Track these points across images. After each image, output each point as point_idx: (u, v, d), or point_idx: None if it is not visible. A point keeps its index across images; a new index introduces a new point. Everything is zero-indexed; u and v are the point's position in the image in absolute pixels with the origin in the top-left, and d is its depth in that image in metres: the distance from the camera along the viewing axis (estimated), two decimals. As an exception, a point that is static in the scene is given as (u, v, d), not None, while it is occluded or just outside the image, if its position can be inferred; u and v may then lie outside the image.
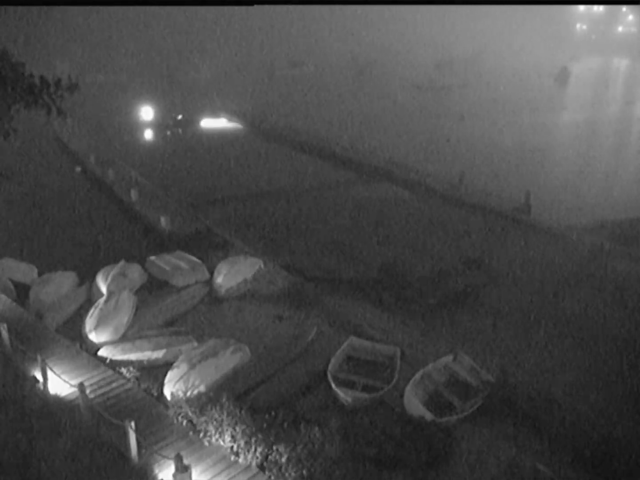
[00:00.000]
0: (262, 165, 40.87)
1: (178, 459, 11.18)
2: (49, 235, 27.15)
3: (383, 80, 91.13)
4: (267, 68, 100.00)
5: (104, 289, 19.90)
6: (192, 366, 14.93)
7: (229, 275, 20.83)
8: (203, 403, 13.36)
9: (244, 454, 12.11)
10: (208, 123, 56.16)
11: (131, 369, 15.65)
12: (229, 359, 15.58)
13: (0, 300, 19.08)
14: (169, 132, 52.18)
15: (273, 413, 13.09)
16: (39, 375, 14.62)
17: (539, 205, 29.86)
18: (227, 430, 12.50)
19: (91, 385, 14.51)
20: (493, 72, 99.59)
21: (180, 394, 14.06)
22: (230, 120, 57.63)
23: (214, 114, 58.85)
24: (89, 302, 19.46)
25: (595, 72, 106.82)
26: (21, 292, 20.33)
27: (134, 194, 31.04)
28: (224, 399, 13.28)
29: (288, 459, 11.79)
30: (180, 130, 52.96)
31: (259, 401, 14.12)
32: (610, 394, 15.52)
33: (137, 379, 15.28)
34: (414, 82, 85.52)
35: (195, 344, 16.70)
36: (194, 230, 26.43)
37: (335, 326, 18.45)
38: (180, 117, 54.66)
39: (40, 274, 21.39)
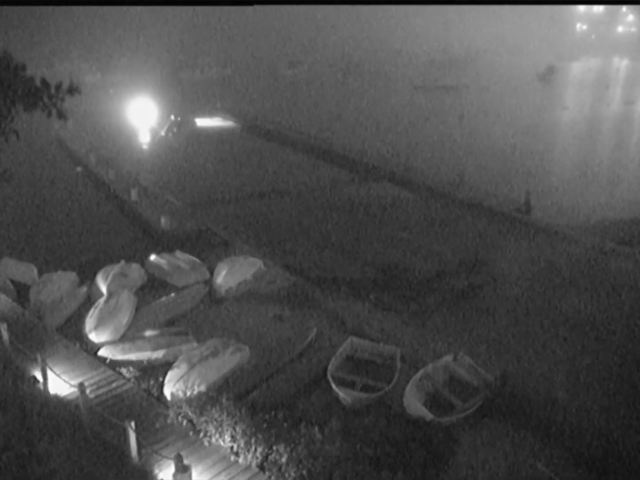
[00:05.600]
0: (261, 165, 40.86)
1: (178, 459, 11.17)
2: (49, 235, 27.16)
3: (380, 80, 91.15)
4: (269, 68, 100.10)
5: (104, 289, 19.90)
6: (192, 366, 14.91)
7: (229, 275, 20.82)
8: (203, 403, 13.34)
9: (244, 454, 12.11)
10: (203, 122, 56.28)
11: (131, 369, 15.65)
12: (229, 359, 15.57)
13: (0, 300, 19.09)
14: (163, 133, 52.16)
15: (273, 413, 13.08)
16: (39, 375, 14.61)
17: (539, 205, 29.86)
18: (227, 430, 12.49)
19: (91, 385, 14.50)
20: (492, 72, 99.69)
21: (180, 394, 14.04)
22: (225, 119, 57.79)
23: (211, 113, 58.97)
24: (89, 302, 19.46)
25: (595, 72, 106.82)
26: (21, 292, 20.32)
27: (134, 194, 31.04)
28: (224, 399, 13.27)
29: (288, 459, 11.77)
30: (175, 129, 52.95)
31: (259, 401, 14.11)
32: (610, 394, 15.51)
33: (137, 379, 15.28)
34: (413, 82, 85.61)
35: (195, 344, 16.67)
36: (194, 230, 26.44)
37: (335, 326, 18.44)
38: (174, 116, 54.69)
39: (40, 274, 21.36)
